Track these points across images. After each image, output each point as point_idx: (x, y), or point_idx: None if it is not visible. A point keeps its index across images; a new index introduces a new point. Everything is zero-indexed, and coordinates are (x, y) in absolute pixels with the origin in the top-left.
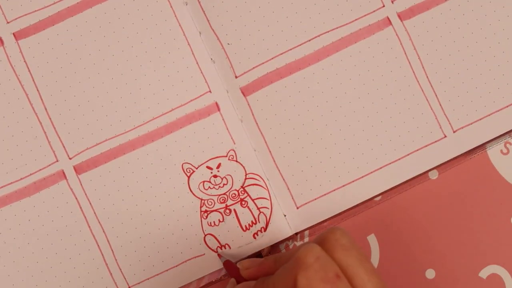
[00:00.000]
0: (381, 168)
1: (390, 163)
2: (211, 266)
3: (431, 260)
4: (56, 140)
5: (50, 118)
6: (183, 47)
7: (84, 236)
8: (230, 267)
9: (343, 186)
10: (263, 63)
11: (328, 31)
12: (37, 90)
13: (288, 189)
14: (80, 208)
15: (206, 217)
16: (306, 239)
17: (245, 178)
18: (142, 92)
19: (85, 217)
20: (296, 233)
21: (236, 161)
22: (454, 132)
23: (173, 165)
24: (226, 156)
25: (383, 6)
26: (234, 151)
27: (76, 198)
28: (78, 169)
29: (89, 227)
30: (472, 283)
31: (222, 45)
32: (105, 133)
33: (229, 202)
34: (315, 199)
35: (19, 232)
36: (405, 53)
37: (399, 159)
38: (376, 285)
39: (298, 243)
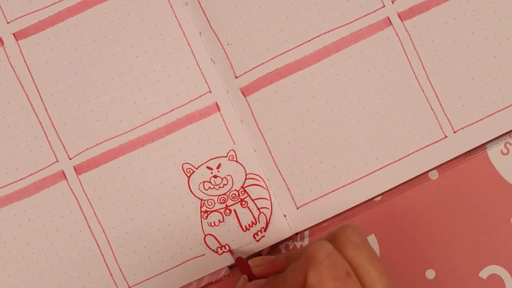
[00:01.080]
0: (381, 168)
1: (390, 164)
2: (211, 266)
3: (431, 260)
4: (56, 140)
5: (50, 118)
6: (183, 48)
7: (84, 236)
8: (242, 263)
9: (343, 186)
10: (263, 63)
11: (328, 31)
12: (37, 90)
13: (288, 189)
14: (80, 208)
15: (206, 217)
16: (306, 240)
17: (245, 178)
18: (142, 93)
19: (85, 217)
20: (296, 234)
21: (236, 161)
22: (454, 132)
23: (173, 166)
24: (226, 156)
25: (384, 6)
26: (234, 151)
27: (76, 199)
28: (78, 170)
29: (89, 227)
30: (472, 283)
31: (222, 45)
32: (105, 133)
33: (229, 202)
34: (315, 199)
35: (19, 232)
36: (406, 53)
37: (400, 159)
38: (385, 283)
39: (298, 244)
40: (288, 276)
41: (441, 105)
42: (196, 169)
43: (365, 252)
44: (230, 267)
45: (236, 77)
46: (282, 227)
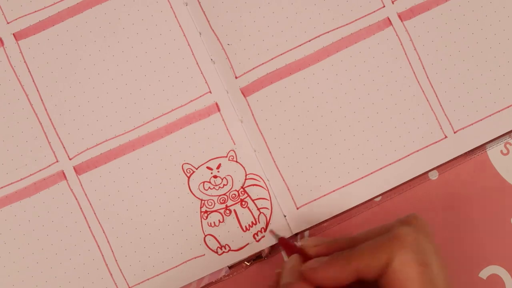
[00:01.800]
0: (381, 168)
1: (390, 164)
2: (211, 266)
3: None
4: (56, 140)
5: (50, 119)
6: (183, 48)
7: (84, 236)
8: (287, 244)
9: (343, 186)
10: (263, 63)
11: (328, 32)
12: (37, 90)
13: (288, 189)
14: (80, 208)
15: (206, 217)
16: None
17: (245, 179)
18: (142, 93)
19: (85, 217)
20: (296, 234)
21: (236, 161)
22: (454, 132)
23: (173, 166)
24: (226, 156)
25: (384, 6)
26: (234, 152)
27: (76, 199)
28: (78, 170)
29: (89, 227)
30: (472, 284)
31: (222, 45)
32: (105, 133)
33: (229, 202)
34: (315, 199)
35: (19, 232)
36: (406, 54)
37: (399, 159)
38: (445, 278)
39: (298, 244)
40: (367, 251)
41: (441, 105)
42: (196, 169)
43: (432, 244)
44: (230, 267)
45: (236, 77)
46: (282, 227)
